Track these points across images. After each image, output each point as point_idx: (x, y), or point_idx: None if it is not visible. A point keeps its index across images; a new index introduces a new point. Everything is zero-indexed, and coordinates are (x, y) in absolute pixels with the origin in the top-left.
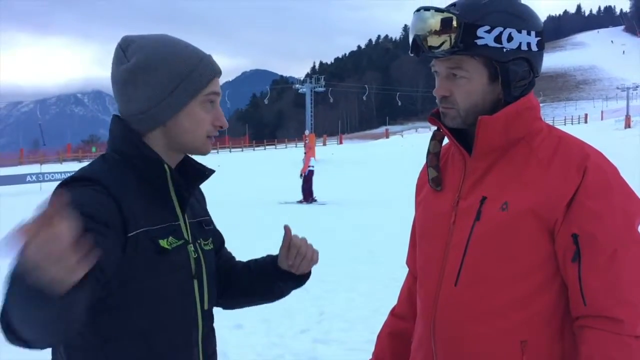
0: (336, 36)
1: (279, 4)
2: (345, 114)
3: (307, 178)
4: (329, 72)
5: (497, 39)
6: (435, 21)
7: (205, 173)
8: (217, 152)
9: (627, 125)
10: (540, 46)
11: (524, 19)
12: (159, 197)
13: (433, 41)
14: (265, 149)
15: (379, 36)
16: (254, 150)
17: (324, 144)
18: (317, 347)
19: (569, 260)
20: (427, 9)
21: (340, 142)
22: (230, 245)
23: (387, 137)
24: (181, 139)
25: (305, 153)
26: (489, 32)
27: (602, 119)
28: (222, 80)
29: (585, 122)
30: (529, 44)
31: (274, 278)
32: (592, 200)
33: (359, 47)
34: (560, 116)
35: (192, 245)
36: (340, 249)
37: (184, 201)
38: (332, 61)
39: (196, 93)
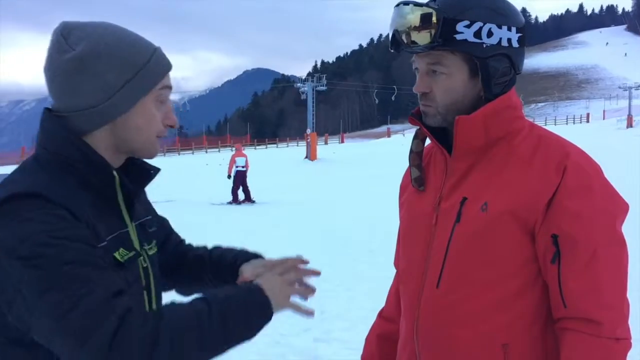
0: (337, 35)
1: (280, 3)
2: (347, 113)
3: (235, 179)
4: (331, 71)
5: (477, 34)
6: (414, 16)
7: (151, 173)
8: (219, 151)
9: (629, 124)
10: (521, 43)
11: (504, 14)
12: (105, 203)
13: (412, 36)
14: (267, 147)
15: (380, 35)
16: (255, 149)
17: (326, 143)
18: (318, 346)
19: (548, 262)
20: (406, 3)
21: (342, 141)
22: None
23: (389, 136)
24: (130, 139)
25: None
26: (468, 27)
27: (604, 119)
28: (224, 78)
29: (587, 121)
30: (509, 40)
31: (226, 279)
32: (571, 200)
33: (360, 46)
34: (562, 115)
35: (141, 254)
36: (342, 248)
37: (132, 206)
38: (334, 60)
39: (151, 87)
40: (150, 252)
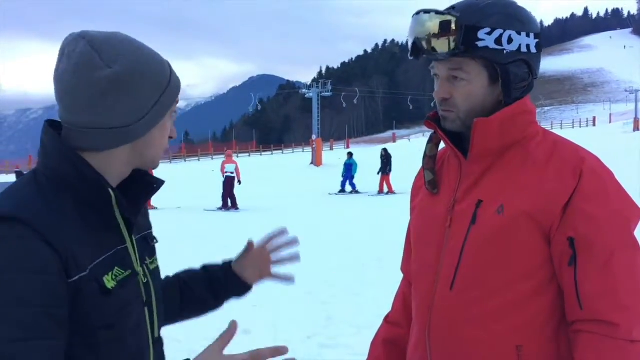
0: (342, 41)
1: (285, 10)
2: (353, 119)
3: (225, 185)
4: (336, 77)
5: (498, 40)
6: (434, 24)
7: (154, 186)
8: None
9: (636, 127)
10: (539, 48)
11: (522, 21)
12: (102, 220)
13: (433, 43)
14: (272, 153)
15: (385, 40)
16: (260, 155)
17: (331, 149)
18: (323, 352)
19: (565, 264)
20: (427, 11)
21: (347, 147)
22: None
23: (394, 141)
24: (147, 154)
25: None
26: (489, 34)
27: (610, 122)
28: (229, 85)
29: (594, 125)
30: (528, 46)
31: (215, 287)
32: (588, 204)
33: (365, 51)
34: (568, 119)
35: (141, 269)
36: (348, 253)
37: (131, 221)
38: (339, 66)
39: (172, 104)
40: (152, 267)
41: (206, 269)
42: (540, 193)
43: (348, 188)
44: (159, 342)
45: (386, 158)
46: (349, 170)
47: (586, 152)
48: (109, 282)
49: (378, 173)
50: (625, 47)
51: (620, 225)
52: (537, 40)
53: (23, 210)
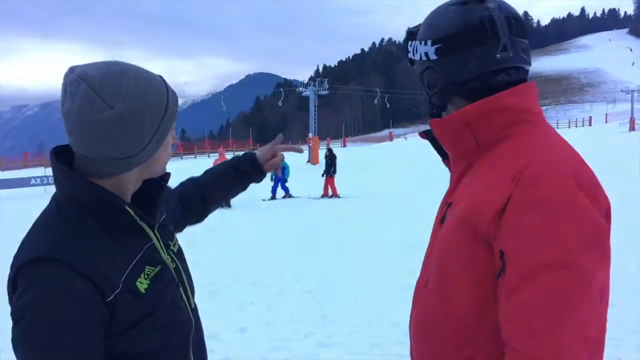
0: (340, 40)
1: (282, 9)
2: (349, 117)
3: None
4: (333, 76)
5: (414, 52)
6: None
7: (162, 182)
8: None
9: (632, 127)
10: (440, 54)
11: (430, 29)
12: (126, 230)
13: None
14: None
15: (382, 39)
16: None
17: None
18: (320, 351)
19: (496, 277)
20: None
21: (344, 145)
22: None
23: (391, 140)
24: (154, 169)
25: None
26: (411, 46)
27: (606, 122)
28: (226, 83)
29: (590, 124)
30: (426, 54)
31: (240, 175)
32: (516, 215)
33: (362, 50)
34: (564, 119)
35: (168, 257)
36: (345, 252)
37: (152, 220)
38: (336, 64)
39: (173, 123)
40: (175, 248)
41: (232, 163)
42: (481, 199)
43: (280, 193)
44: (195, 311)
45: (330, 159)
46: (280, 173)
47: (544, 155)
48: (142, 284)
49: (322, 175)
50: (631, 49)
51: (551, 242)
52: (437, 46)
53: (57, 250)
